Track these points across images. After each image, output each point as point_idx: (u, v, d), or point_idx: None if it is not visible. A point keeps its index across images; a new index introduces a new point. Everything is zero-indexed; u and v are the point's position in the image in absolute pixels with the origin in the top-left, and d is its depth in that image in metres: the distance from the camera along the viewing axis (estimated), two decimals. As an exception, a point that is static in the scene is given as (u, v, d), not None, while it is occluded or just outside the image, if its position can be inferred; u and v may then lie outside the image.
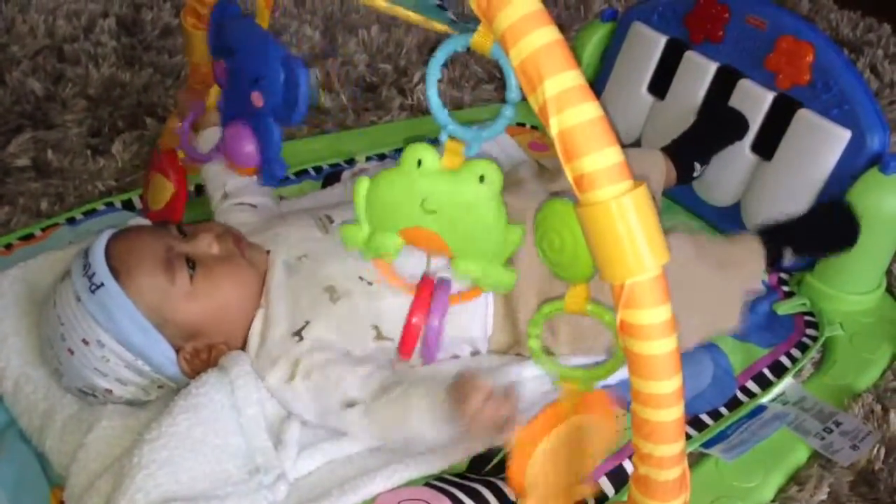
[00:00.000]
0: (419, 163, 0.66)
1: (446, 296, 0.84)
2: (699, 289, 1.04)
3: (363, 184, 0.72)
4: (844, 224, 1.17)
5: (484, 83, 1.75)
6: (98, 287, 0.94)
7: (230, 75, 1.07)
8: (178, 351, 0.98)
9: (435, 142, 0.69)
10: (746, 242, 1.15)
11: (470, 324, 1.03)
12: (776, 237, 1.17)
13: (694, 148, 1.32)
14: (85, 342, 0.95)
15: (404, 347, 0.88)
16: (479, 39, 0.58)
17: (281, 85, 0.98)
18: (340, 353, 0.98)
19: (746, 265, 1.13)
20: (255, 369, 0.98)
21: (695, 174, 1.32)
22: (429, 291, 0.85)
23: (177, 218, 1.18)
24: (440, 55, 0.62)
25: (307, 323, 0.98)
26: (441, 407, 0.87)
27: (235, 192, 1.19)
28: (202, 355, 0.99)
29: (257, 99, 1.01)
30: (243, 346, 1.01)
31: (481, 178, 0.65)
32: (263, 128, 1.04)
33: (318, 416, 0.96)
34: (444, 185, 0.67)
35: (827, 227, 1.20)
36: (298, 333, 0.98)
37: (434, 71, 0.63)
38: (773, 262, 1.16)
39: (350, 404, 0.94)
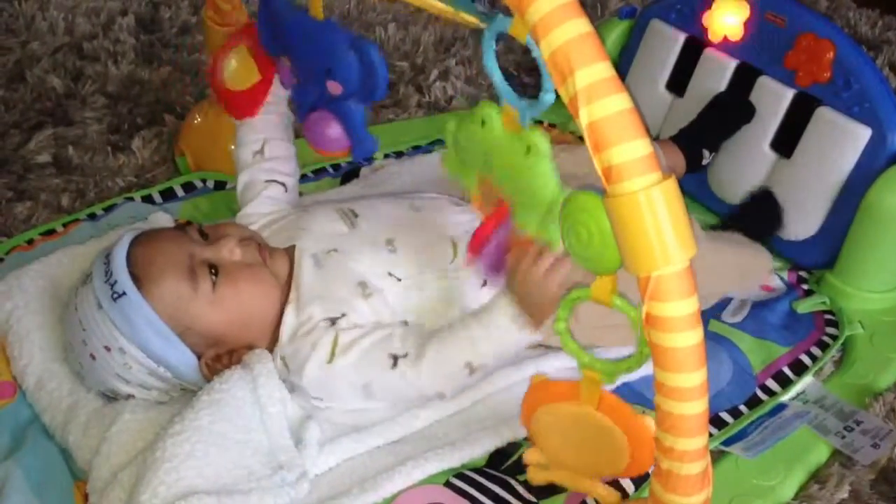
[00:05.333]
0: (483, 121, 0.69)
1: (508, 227, 0.85)
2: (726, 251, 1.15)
3: (452, 123, 0.76)
4: (771, 213, 1.24)
5: (501, 81, 1.74)
6: (120, 296, 0.94)
7: (296, 69, 1.06)
8: (199, 357, 0.98)
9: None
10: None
11: None
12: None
13: (701, 135, 1.32)
14: (107, 349, 0.95)
15: (472, 246, 0.89)
16: (516, 28, 0.59)
17: (356, 70, 0.98)
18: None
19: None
20: (285, 364, 0.98)
21: (704, 161, 1.32)
22: (504, 212, 0.84)
23: (254, 111, 1.14)
24: (489, 33, 0.63)
25: (343, 315, 0.98)
26: (505, 305, 0.91)
27: (270, 156, 1.15)
28: (224, 360, 0.99)
29: (335, 88, 1.00)
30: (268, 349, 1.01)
31: (528, 149, 0.67)
32: (345, 112, 1.03)
33: (364, 391, 0.95)
34: (500, 147, 0.69)
35: (757, 217, 1.26)
36: (335, 322, 0.98)
37: (489, 45, 0.64)
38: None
39: (395, 361, 0.94)
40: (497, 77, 0.66)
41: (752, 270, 1.21)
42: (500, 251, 0.88)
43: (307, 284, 1.00)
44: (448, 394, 0.96)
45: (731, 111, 1.31)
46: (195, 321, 0.96)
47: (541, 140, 0.66)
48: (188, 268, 0.96)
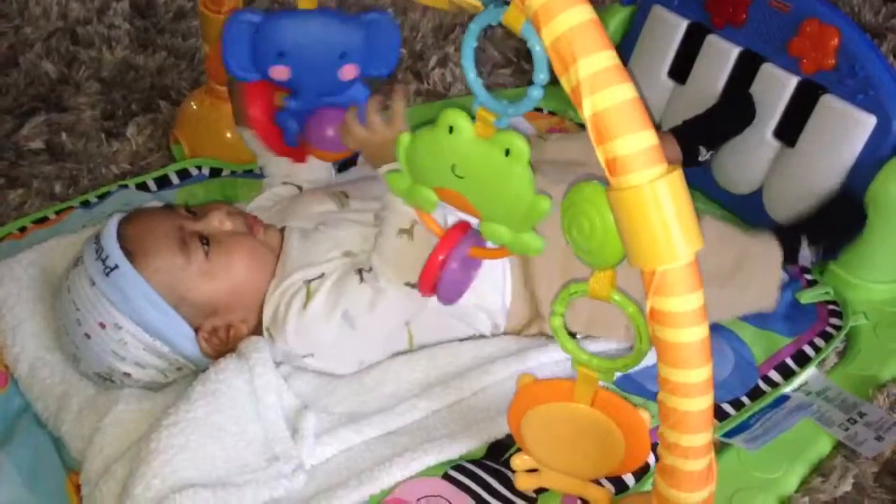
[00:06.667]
0: (451, 129, 0.67)
1: (468, 244, 0.85)
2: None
3: (404, 138, 0.74)
4: (854, 216, 1.17)
5: (500, 68, 1.73)
6: (112, 269, 0.93)
7: (295, 77, 1.03)
8: (196, 330, 0.98)
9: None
10: (765, 244, 1.14)
11: (488, 292, 1.03)
12: (791, 232, 1.16)
13: (702, 131, 1.31)
14: (101, 325, 0.94)
15: (422, 282, 0.89)
16: (511, 16, 0.57)
17: (373, 43, 0.99)
18: None
19: (762, 270, 1.12)
20: (270, 335, 0.99)
21: (700, 158, 1.31)
22: (458, 235, 0.85)
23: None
24: (475, 26, 0.61)
25: (322, 275, 0.98)
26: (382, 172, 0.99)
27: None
28: (220, 334, 0.99)
29: (350, 71, 0.99)
30: (260, 327, 1.01)
31: (507, 152, 0.65)
32: (357, 93, 1.04)
33: (344, 322, 0.96)
34: (473, 154, 0.68)
35: (838, 220, 1.19)
36: (310, 282, 0.98)
37: (470, 42, 0.62)
38: (791, 256, 1.15)
39: (361, 275, 0.96)
40: (472, 76, 0.65)
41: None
42: (456, 277, 0.88)
43: (292, 257, 1.01)
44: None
45: (736, 112, 1.29)
46: (189, 291, 0.96)
47: (520, 141, 0.65)
48: (179, 239, 0.97)
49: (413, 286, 0.95)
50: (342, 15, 1.00)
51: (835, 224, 1.19)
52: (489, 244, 0.80)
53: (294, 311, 0.97)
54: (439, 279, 0.87)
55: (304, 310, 0.96)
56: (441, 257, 0.85)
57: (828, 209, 1.20)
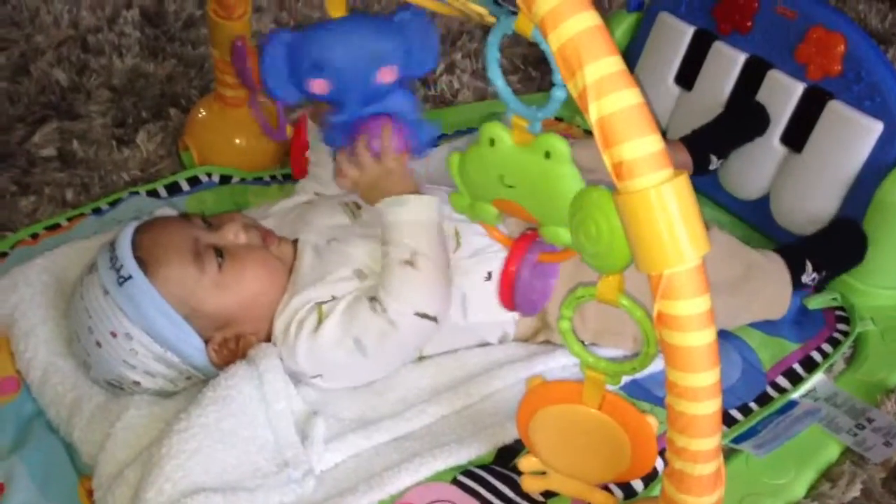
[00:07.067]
0: (492, 141, 0.68)
1: (537, 251, 0.85)
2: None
3: (455, 158, 0.75)
4: (854, 241, 1.17)
5: (507, 74, 1.73)
6: (126, 279, 0.94)
7: (336, 87, 0.99)
8: (206, 341, 0.98)
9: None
10: (774, 260, 1.14)
11: (499, 306, 1.03)
12: (795, 256, 1.16)
13: (712, 140, 1.31)
14: (113, 335, 0.95)
15: (501, 297, 0.90)
16: (522, 22, 0.58)
17: (409, 41, 0.98)
18: None
19: (769, 284, 1.12)
20: (281, 356, 0.98)
21: (711, 166, 1.31)
22: (525, 244, 0.85)
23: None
24: (493, 38, 0.62)
25: (332, 298, 0.98)
26: (380, 208, 0.99)
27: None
28: (230, 345, 0.99)
29: (388, 73, 0.98)
30: (270, 337, 1.01)
31: (547, 154, 0.66)
32: (400, 97, 1.01)
33: (357, 349, 0.95)
34: (516, 162, 0.69)
35: (839, 245, 1.20)
36: (322, 304, 0.98)
37: (493, 53, 0.63)
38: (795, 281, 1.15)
39: (373, 303, 0.95)
40: (501, 85, 0.66)
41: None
42: (529, 285, 0.88)
43: (304, 274, 1.01)
44: (430, 310, 0.96)
45: (747, 120, 1.29)
46: (201, 303, 0.96)
47: (559, 142, 0.65)
48: (193, 251, 0.97)
49: (423, 316, 0.95)
50: (374, 18, 0.99)
51: (837, 251, 1.19)
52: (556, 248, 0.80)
53: (305, 333, 0.96)
54: (515, 291, 0.87)
55: (315, 333, 0.96)
56: (512, 269, 0.86)
57: (830, 235, 1.20)
